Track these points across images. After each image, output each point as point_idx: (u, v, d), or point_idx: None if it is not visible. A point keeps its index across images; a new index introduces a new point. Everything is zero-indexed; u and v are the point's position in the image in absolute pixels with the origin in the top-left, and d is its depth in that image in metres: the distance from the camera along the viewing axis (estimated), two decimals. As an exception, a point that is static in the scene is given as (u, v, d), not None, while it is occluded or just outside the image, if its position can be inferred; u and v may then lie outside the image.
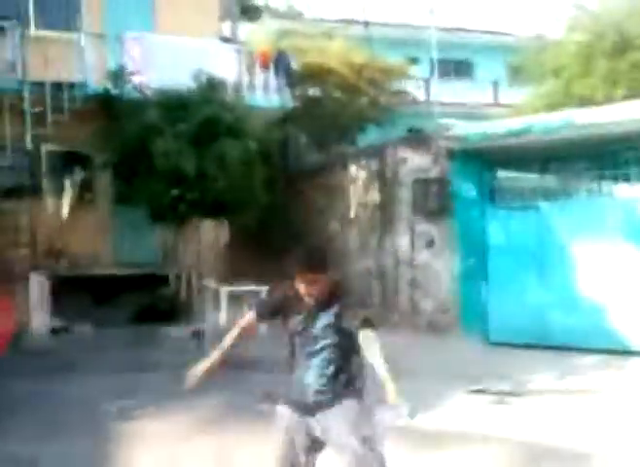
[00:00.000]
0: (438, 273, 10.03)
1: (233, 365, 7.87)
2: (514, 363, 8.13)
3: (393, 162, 10.71)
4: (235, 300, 9.84)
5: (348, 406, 3.29)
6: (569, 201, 9.70)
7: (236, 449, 5.13)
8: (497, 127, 10.13)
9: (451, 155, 10.19)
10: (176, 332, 9.11)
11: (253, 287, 9.88)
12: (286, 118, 13.66)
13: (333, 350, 3.30)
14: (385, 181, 10.88)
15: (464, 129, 10.38)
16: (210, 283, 10.24)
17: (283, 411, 3.46)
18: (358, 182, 11.96)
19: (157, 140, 9.29)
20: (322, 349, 3.31)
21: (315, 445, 3.45)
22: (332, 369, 3.30)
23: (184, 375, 6.78)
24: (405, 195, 10.40)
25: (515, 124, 10.03)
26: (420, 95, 19.57)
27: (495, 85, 21.09)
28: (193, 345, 8.71)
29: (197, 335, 8.95)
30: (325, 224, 13.18)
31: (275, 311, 3.50)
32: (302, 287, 3.25)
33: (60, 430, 5.59)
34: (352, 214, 12.00)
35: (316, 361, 3.32)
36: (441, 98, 18.42)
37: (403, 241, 10.25)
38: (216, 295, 9.84)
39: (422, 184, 10.24)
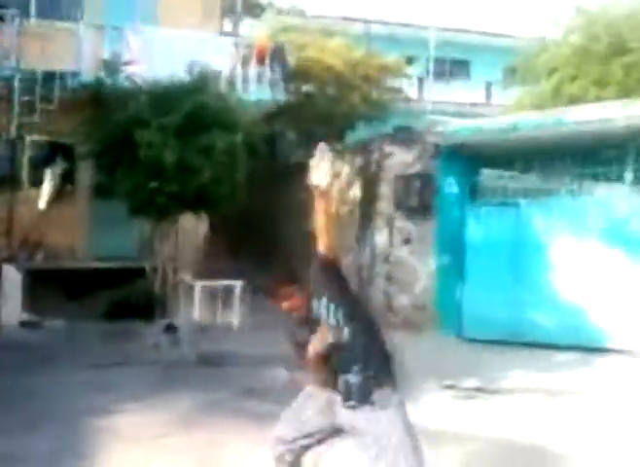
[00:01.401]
0: (414, 270, 9.98)
1: (210, 360, 7.94)
2: (488, 360, 8.12)
3: (377, 158, 10.63)
4: (210, 295, 9.78)
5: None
6: (548, 200, 9.67)
7: (217, 445, 5.09)
8: (483, 125, 10.10)
9: (437, 151, 10.13)
10: (150, 327, 9.03)
11: (228, 282, 9.82)
12: (277, 112, 13.59)
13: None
14: (368, 177, 10.80)
15: (451, 126, 10.34)
16: (185, 278, 10.17)
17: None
18: (341, 177, 11.88)
19: (141, 131, 9.17)
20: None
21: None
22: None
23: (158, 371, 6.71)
24: (386, 191, 10.32)
25: (502, 121, 10.02)
26: (414, 94, 19.56)
27: (488, 85, 21.05)
28: (166, 340, 8.65)
29: (171, 330, 8.89)
30: (305, 220, 13.12)
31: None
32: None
33: (37, 425, 5.53)
34: (333, 210, 11.92)
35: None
36: (434, 97, 18.41)
37: (381, 238, 10.18)
38: (190, 290, 9.77)
39: (404, 180, 10.17)
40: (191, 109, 9.50)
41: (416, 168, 10.25)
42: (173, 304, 9.84)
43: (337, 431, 3.44)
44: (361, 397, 3.20)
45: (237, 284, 9.69)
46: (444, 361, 8.02)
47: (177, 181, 9.44)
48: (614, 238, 8.76)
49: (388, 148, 10.55)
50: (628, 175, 8.87)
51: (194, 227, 11.30)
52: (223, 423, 5.63)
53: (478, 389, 7.07)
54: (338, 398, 3.27)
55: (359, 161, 11.39)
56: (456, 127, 10.33)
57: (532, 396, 6.74)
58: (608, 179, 9.04)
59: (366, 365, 3.22)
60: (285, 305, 3.33)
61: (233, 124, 9.84)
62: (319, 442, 3.51)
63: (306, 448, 3.50)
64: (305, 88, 15.52)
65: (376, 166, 10.69)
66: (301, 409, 3.47)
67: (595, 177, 9.13)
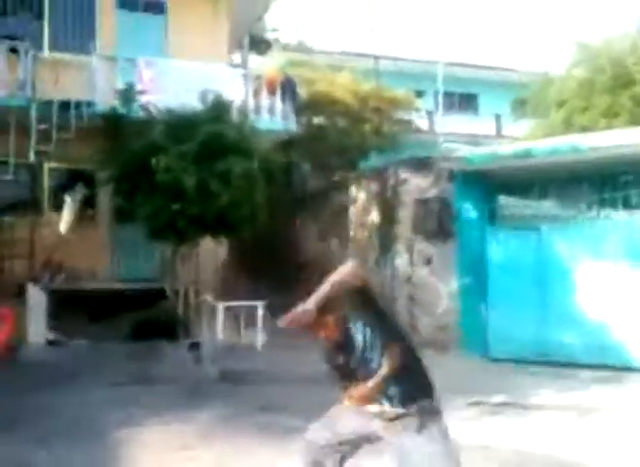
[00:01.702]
0: (436, 291, 10.04)
1: (232, 378, 7.97)
2: (513, 378, 8.13)
3: (394, 183, 10.78)
4: (232, 315, 9.83)
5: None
6: (569, 224, 9.76)
7: (236, 459, 5.09)
8: (498, 151, 10.28)
9: (453, 176, 10.28)
10: (174, 346, 9.07)
11: (250, 303, 9.88)
12: (290, 142, 13.79)
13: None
14: (385, 201, 10.93)
15: (466, 152, 10.52)
16: (208, 299, 10.22)
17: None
18: (358, 203, 12.03)
19: (159, 157, 9.35)
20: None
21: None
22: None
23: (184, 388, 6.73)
24: (405, 215, 10.43)
25: (516, 147, 10.20)
26: (424, 126, 19.84)
27: (498, 117, 21.37)
28: (190, 359, 8.68)
29: (195, 348, 8.92)
30: (325, 244, 13.24)
31: None
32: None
33: (62, 437, 5.56)
34: (352, 234, 12.06)
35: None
36: (444, 130, 18.67)
37: (401, 260, 10.26)
38: (213, 310, 9.83)
39: (423, 204, 10.30)
40: (207, 136, 9.70)
41: (433, 193, 10.39)
42: (196, 324, 9.88)
43: (369, 442, 3.41)
44: (402, 409, 3.17)
45: (259, 305, 9.74)
46: (468, 380, 8.00)
47: (197, 204, 9.57)
48: (635, 260, 8.82)
49: (403, 174, 10.70)
50: (646, 197, 8.98)
51: (213, 250, 11.38)
52: (242, 436, 5.67)
53: (504, 405, 7.06)
54: (377, 411, 3.25)
55: (375, 187, 11.55)
56: (471, 153, 10.50)
57: (557, 413, 6.73)
58: (626, 204, 9.13)
59: (407, 383, 3.20)
60: (320, 332, 3.28)
61: (249, 150, 10.02)
62: (352, 452, 3.46)
63: (341, 457, 3.44)
64: (317, 120, 15.79)
65: (392, 192, 10.83)
66: (334, 417, 3.48)
67: (614, 202, 9.23)
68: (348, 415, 3.39)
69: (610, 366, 8.48)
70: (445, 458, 3.14)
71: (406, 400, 3.16)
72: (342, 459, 3.47)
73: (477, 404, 6.99)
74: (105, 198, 11.73)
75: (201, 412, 6.50)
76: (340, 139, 15.27)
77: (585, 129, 13.26)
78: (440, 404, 3.33)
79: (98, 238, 11.54)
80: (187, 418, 6.23)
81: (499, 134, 20.71)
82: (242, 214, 9.95)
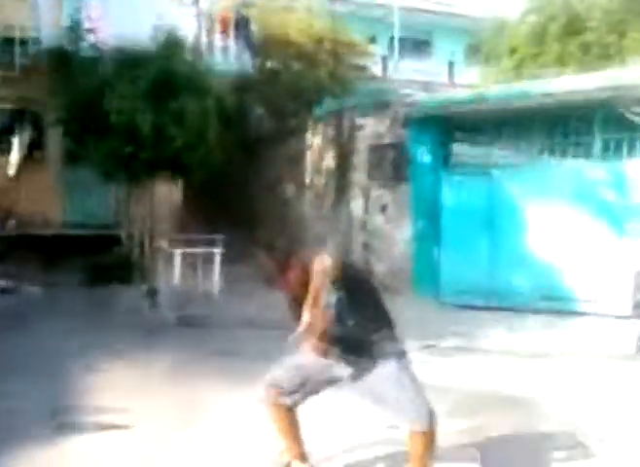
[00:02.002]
0: (391, 237, 10.17)
1: (188, 323, 8.00)
2: (464, 322, 8.35)
3: (349, 129, 10.75)
4: (188, 261, 9.78)
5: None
6: (520, 169, 9.96)
7: (197, 402, 5.15)
8: (452, 96, 10.33)
9: (408, 122, 10.30)
10: (130, 292, 9.01)
11: (207, 249, 9.83)
12: (244, 86, 13.51)
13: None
14: (341, 147, 10.91)
15: (422, 97, 10.52)
16: (163, 244, 10.14)
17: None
18: (314, 148, 11.98)
19: (111, 96, 9.07)
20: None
21: (319, 386, 3.54)
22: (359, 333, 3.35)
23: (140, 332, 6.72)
24: (360, 161, 10.45)
25: (470, 92, 10.26)
26: (378, 72, 19.62)
27: (451, 65, 21.25)
28: (147, 304, 8.65)
29: (151, 294, 8.88)
30: (280, 190, 13.21)
31: None
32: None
33: (19, 383, 5.53)
34: (307, 180, 12.04)
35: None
36: (398, 76, 18.49)
37: (357, 207, 10.32)
38: (169, 256, 9.76)
39: (378, 150, 10.32)
40: (159, 74, 9.42)
41: (388, 139, 10.41)
42: (151, 269, 9.81)
43: (333, 382, 3.56)
44: (364, 352, 3.33)
45: (217, 251, 9.71)
46: (421, 323, 8.17)
47: (151, 146, 9.37)
48: (584, 205, 9.07)
49: (359, 119, 10.67)
50: (597, 145, 9.17)
51: (168, 194, 11.23)
52: (203, 380, 5.74)
53: (456, 348, 7.27)
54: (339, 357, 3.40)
55: (331, 132, 11.50)
56: (426, 99, 10.52)
57: (509, 356, 6.95)
58: (577, 149, 9.31)
59: (369, 321, 3.34)
60: (284, 285, 3.32)
61: (203, 89, 9.79)
62: (316, 391, 3.61)
63: (303, 396, 3.58)
64: (270, 63, 15.46)
65: (348, 137, 10.81)
66: (297, 358, 3.57)
67: (565, 147, 9.40)
68: (312, 360, 3.48)
69: (559, 309, 8.78)
70: (413, 381, 3.34)
71: (370, 347, 3.32)
72: (303, 399, 3.58)
73: (429, 347, 7.17)
74: (54, 140, 11.38)
75: (160, 356, 6.53)
76: (295, 83, 15.01)
77: (535, 77, 13.38)
78: (403, 346, 3.46)
79: (48, 182, 11.24)
80: (146, 363, 6.26)
81: (452, 82, 20.65)
82: (197, 156, 9.80)
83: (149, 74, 9.40)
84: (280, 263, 3.26)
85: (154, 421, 4.69)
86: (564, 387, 5.69)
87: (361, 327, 3.31)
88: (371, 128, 10.50)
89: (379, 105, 10.58)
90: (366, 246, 10.19)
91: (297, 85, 14.90)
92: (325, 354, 3.41)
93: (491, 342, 7.49)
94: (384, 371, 3.32)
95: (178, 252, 9.61)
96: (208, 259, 9.69)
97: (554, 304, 8.90)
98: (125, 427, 4.55)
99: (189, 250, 9.65)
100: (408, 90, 11.62)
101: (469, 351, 7.15)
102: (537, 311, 8.75)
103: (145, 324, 7.87)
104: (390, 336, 3.45)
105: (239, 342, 7.18)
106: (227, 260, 10.04)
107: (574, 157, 9.39)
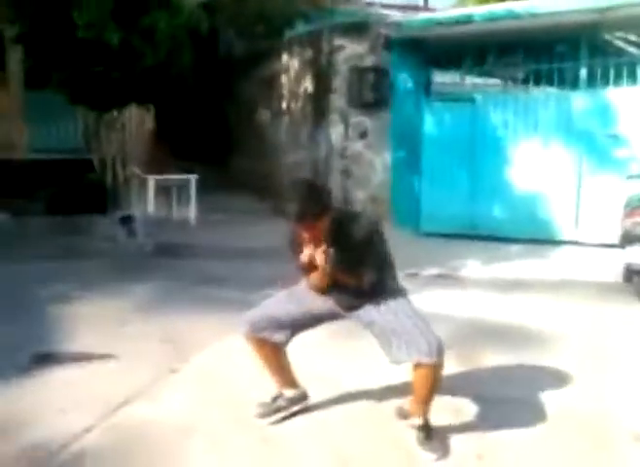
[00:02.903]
0: (371, 164, 9.97)
1: (168, 252, 7.80)
2: (445, 252, 8.30)
3: (328, 50, 10.33)
4: (163, 189, 9.50)
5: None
6: (503, 95, 9.77)
7: (180, 332, 5.01)
8: (437, 16, 9.95)
9: (389, 44, 9.94)
10: (103, 220, 8.71)
11: (182, 177, 9.54)
12: (212, 6, 12.85)
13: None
14: (319, 70, 10.51)
15: (404, 18, 10.12)
16: (137, 171, 9.79)
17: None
18: (290, 72, 11.55)
19: (76, 9, 8.47)
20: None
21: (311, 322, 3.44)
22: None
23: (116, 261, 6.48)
24: (340, 84, 10.09)
25: (456, 13, 9.89)
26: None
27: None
28: (122, 232, 8.39)
29: (127, 221, 8.60)
30: (256, 115, 12.82)
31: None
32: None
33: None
34: (284, 105, 11.66)
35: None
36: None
37: (336, 133, 10.03)
38: (143, 183, 9.44)
39: (358, 73, 9.96)
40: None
41: (369, 62, 10.05)
42: (125, 197, 9.50)
43: (331, 317, 3.46)
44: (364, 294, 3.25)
45: (192, 179, 9.42)
46: (402, 252, 8.06)
47: (121, 66, 8.85)
48: (567, 133, 8.95)
49: (338, 40, 10.26)
50: (583, 72, 8.98)
51: (140, 118, 10.78)
52: (184, 309, 5.59)
53: (437, 276, 7.25)
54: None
55: (308, 54, 11.06)
56: (409, 19, 10.13)
57: (489, 284, 6.95)
58: (563, 76, 9.11)
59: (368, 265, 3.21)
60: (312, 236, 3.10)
61: (175, 5, 9.22)
62: (310, 325, 3.50)
63: (293, 330, 3.45)
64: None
65: (327, 60, 10.41)
66: (296, 294, 3.45)
67: (549, 74, 9.19)
68: (311, 294, 3.35)
69: (538, 239, 8.78)
70: (420, 315, 3.27)
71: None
72: (293, 334, 3.46)
73: (411, 276, 7.12)
74: (16, 60, 10.72)
75: (139, 285, 6.37)
76: (264, 4, 14.35)
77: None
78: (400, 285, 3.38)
79: (12, 106, 10.66)
80: (124, 292, 6.08)
81: (426, 6, 20.07)
82: (168, 79, 9.33)
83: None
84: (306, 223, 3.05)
85: (137, 352, 4.55)
86: (545, 315, 5.68)
87: (360, 269, 3.18)
88: (350, 50, 10.10)
89: (359, 26, 10.15)
90: (345, 173, 9.96)
91: (265, 6, 14.27)
92: (323, 292, 3.31)
93: (473, 271, 7.48)
94: (390, 306, 3.25)
95: (152, 178, 9.29)
96: (184, 186, 9.41)
97: (537, 233, 8.90)
98: (108, 357, 4.40)
99: (164, 177, 9.33)
100: (386, 12, 11.20)
101: (452, 280, 7.14)
102: (519, 241, 8.74)
103: (122, 253, 7.63)
104: (392, 276, 3.37)
105: (221, 271, 7.02)
106: (201, 188, 9.79)
107: (559, 83, 9.20)
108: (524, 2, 9.02)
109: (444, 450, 3.21)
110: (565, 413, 3.65)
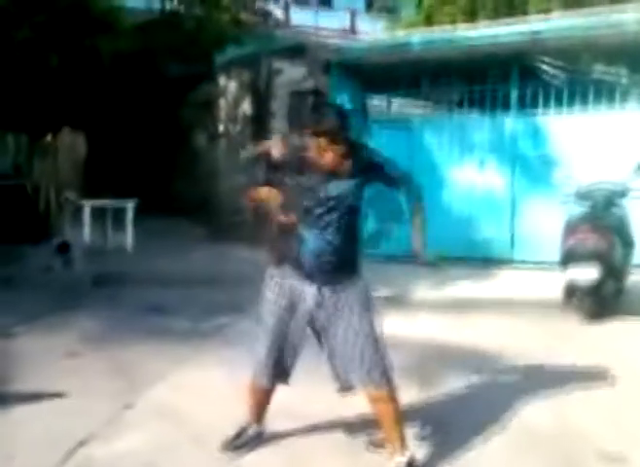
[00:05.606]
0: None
1: (106, 281, 7.55)
2: (391, 274, 8.31)
3: (266, 74, 10.34)
4: (98, 214, 9.21)
5: (359, 288, 3.22)
6: (439, 118, 9.97)
7: (131, 364, 4.83)
8: (375, 42, 10.11)
9: (328, 68, 10.03)
10: (37, 248, 8.36)
11: (119, 202, 9.27)
12: (146, 29, 12.68)
13: (343, 221, 3.16)
14: (258, 93, 10.50)
15: (343, 43, 10.26)
16: (71, 197, 9.46)
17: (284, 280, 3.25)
18: (227, 95, 11.47)
19: (10, 31, 8.16)
20: (332, 218, 3.14)
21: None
22: (340, 239, 3.14)
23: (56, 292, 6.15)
24: (278, 107, 10.10)
25: (394, 38, 10.09)
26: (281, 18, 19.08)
27: (353, 13, 21.03)
28: (59, 261, 8.07)
29: (63, 250, 8.28)
30: (193, 139, 12.65)
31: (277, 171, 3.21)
32: (315, 151, 3.02)
33: None
34: (222, 129, 11.57)
35: (325, 228, 3.14)
36: (300, 23, 18.07)
37: (277, 156, 9.99)
38: (77, 209, 9.12)
39: (297, 96, 10.01)
40: (66, 4, 8.52)
41: (308, 85, 10.12)
42: (58, 225, 9.15)
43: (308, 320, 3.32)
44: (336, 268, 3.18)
45: (129, 204, 9.16)
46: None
47: (56, 91, 8.58)
48: (503, 155, 9.19)
49: (277, 64, 10.29)
50: (514, 94, 9.27)
51: (72, 144, 10.47)
52: (133, 340, 5.42)
53: (388, 299, 7.25)
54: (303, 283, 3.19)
55: (246, 77, 11.04)
56: (349, 44, 10.28)
57: (436, 306, 7.00)
58: (495, 100, 9.38)
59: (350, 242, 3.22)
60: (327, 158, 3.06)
61: (118, 29, 9.02)
62: (300, 341, 3.32)
63: (291, 356, 3.31)
64: (170, 6, 14.63)
65: (266, 83, 10.42)
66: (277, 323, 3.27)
67: (483, 97, 9.45)
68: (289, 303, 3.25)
69: (477, 259, 8.93)
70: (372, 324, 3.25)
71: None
72: (292, 362, 3.33)
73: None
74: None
75: (82, 317, 6.15)
76: (196, 28, 14.28)
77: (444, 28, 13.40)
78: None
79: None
80: (69, 324, 5.85)
81: (354, 30, 20.47)
82: (102, 105, 9.10)
83: (55, 4, 8.46)
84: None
85: (88, 387, 4.35)
86: (494, 336, 5.76)
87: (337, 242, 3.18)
88: (289, 74, 10.14)
89: (297, 49, 10.21)
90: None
91: (198, 30, 14.19)
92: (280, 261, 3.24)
93: (419, 293, 7.52)
94: (353, 322, 3.17)
95: (88, 204, 9.00)
96: (121, 212, 9.15)
97: (473, 252, 9.04)
98: (59, 395, 4.18)
99: (99, 202, 9.06)
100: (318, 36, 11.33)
101: (399, 302, 7.15)
102: (458, 261, 8.84)
103: (60, 283, 7.34)
104: (358, 261, 3.32)
105: (164, 300, 6.86)
106: (139, 213, 9.55)
107: (492, 106, 9.46)
108: (462, 30, 9.31)
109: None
110: (531, 435, 3.67)
